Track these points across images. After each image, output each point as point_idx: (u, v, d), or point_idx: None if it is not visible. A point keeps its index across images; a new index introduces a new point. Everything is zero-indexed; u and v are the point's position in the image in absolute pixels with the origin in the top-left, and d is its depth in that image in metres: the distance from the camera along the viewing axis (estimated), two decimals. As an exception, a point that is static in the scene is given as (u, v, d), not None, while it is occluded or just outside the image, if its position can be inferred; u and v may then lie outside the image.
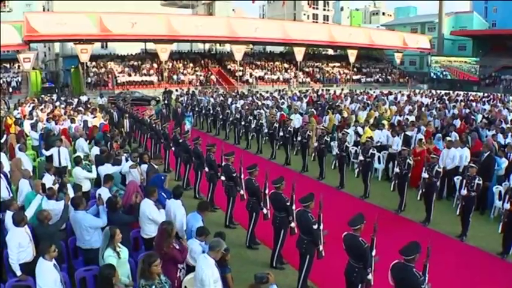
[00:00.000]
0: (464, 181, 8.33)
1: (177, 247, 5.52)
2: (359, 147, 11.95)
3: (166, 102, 28.26)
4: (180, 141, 11.62)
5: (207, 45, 53.40)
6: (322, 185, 12.16)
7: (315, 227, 5.88)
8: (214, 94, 28.22)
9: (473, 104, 22.50)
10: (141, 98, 32.46)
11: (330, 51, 57.93)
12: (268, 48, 54.66)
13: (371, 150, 10.55)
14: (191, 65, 45.06)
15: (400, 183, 9.78)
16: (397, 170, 9.71)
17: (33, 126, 14.14)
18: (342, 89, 36.49)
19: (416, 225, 9.27)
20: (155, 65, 41.67)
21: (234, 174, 8.48)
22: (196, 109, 22.30)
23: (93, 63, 39.39)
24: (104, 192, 7.22)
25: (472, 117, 17.02)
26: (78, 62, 35.99)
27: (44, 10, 46.39)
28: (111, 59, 42.13)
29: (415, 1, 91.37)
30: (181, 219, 6.46)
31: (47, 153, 11.48)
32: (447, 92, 31.68)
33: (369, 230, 5.44)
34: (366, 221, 5.36)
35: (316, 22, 58.85)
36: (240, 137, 17.58)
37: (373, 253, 5.30)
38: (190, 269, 5.59)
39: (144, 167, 8.85)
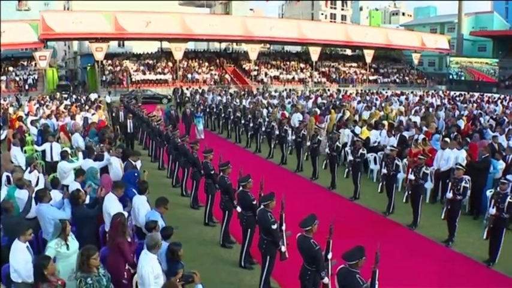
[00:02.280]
0: (450, 184, 7.92)
1: (130, 240, 5.48)
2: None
3: (178, 101, 28.41)
4: (179, 145, 10.86)
5: (224, 45, 53.55)
6: (314, 185, 11.92)
7: (274, 227, 5.67)
8: (221, 93, 28.10)
9: (486, 105, 21.73)
10: (152, 96, 32.76)
11: (348, 52, 57.21)
12: (286, 48, 54.31)
13: (361, 151, 10.22)
14: (206, 64, 45.19)
15: (388, 185, 9.43)
16: (384, 171, 9.37)
17: (33, 122, 14.34)
18: (356, 90, 35.91)
19: (403, 229, 8.92)
20: (170, 64, 41.95)
21: (212, 172, 8.34)
22: (208, 110, 21.28)
23: (109, 61, 39.97)
24: (75, 186, 7.22)
25: (481, 118, 16.41)
26: (95, 60, 36.60)
27: (64, 9, 47.30)
28: (126, 58, 42.63)
29: (435, 1, 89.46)
30: (144, 215, 6.36)
31: (40, 148, 11.63)
32: (461, 93, 30.75)
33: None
34: (318, 221, 5.05)
35: (334, 22, 58.16)
36: (241, 136, 17.44)
37: (330, 256, 5.05)
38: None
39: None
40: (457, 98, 25.36)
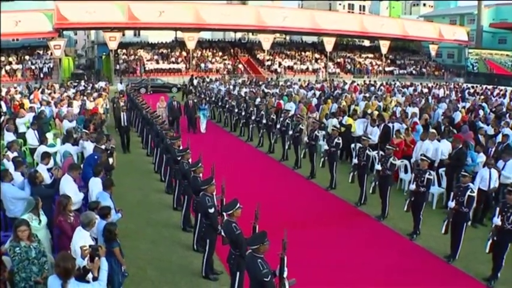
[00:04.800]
0: (413, 175, 7.82)
1: (71, 220, 5.70)
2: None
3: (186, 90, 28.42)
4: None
5: (240, 35, 53.47)
6: (295, 174, 11.96)
7: (211, 210, 5.77)
8: (228, 82, 28.17)
9: (494, 98, 21.14)
10: (162, 85, 33.15)
11: (366, 43, 56.24)
12: (301, 38, 53.81)
13: (336, 140, 10.16)
14: (220, 53, 45.31)
15: (360, 175, 9.37)
16: (355, 160, 9.31)
17: (31, 108, 14.80)
18: (364, 81, 35.35)
19: (371, 220, 8.87)
20: (184, 53, 42.25)
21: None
22: (213, 100, 20.77)
23: (124, 50, 40.57)
24: (41, 169, 7.51)
25: (481, 110, 16.01)
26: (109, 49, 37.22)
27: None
28: (141, 47, 43.19)
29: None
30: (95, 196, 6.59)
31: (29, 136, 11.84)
32: (473, 85, 29.90)
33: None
34: (241, 206, 5.09)
35: (352, 12, 57.14)
36: (235, 125, 17.54)
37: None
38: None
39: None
40: (467, 91, 24.69)
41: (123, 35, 38.70)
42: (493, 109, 16.12)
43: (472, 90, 24.99)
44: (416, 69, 48.88)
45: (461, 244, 7.20)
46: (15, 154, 8.83)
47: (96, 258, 4.34)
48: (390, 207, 8.86)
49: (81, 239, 4.98)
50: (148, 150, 13.66)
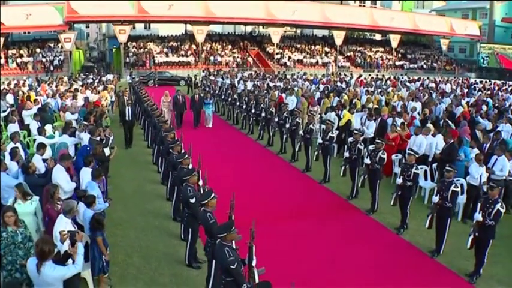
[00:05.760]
0: (400, 169, 7.86)
1: (58, 208, 5.92)
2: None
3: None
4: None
5: (250, 28, 53.37)
6: (291, 167, 12.07)
7: (192, 200, 5.93)
8: (232, 76, 28.22)
9: (500, 93, 20.88)
10: (170, 78, 33.37)
11: (378, 36, 55.67)
12: (312, 32, 53.47)
13: (330, 134, 10.23)
14: (230, 46, 45.36)
15: (351, 169, 9.45)
16: (346, 154, 9.37)
17: (35, 101, 15.14)
18: (377, 75, 35.10)
19: (360, 214, 8.95)
20: (194, 46, 42.38)
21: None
22: (217, 92, 20.77)
23: (134, 43, 40.89)
24: (36, 159, 7.78)
25: (483, 106, 15.89)
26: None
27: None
28: (151, 40, 43.45)
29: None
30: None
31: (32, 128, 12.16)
32: (481, 80, 29.49)
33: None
34: (216, 195, 5.26)
35: (363, 6, 56.51)
36: (238, 118, 17.69)
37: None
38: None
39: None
40: (475, 86, 24.40)
41: (134, 28, 38.98)
42: (496, 104, 15.95)
43: (480, 86, 24.64)
44: (427, 63, 48.25)
45: (445, 239, 7.24)
46: (18, 145, 9.13)
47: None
48: (381, 201, 8.92)
49: (62, 225, 5.19)
50: (148, 142, 13.90)
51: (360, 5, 55.34)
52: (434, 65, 47.89)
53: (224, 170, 11.27)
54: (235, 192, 5.46)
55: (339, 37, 43.94)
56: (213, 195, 5.22)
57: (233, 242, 4.55)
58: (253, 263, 4.46)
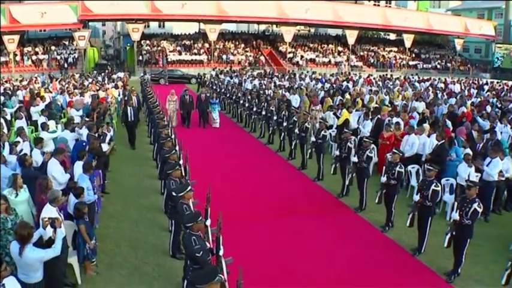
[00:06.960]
0: (384, 168, 7.99)
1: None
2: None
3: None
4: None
5: (264, 27, 53.55)
6: (288, 165, 12.25)
7: (174, 194, 6.19)
8: (242, 75, 28.45)
9: (509, 94, 20.67)
10: (181, 76, 33.80)
11: (391, 36, 55.24)
12: (325, 31, 53.37)
13: (323, 132, 10.40)
14: (242, 45, 45.64)
15: (342, 167, 9.60)
16: (337, 152, 9.53)
17: (42, 98, 15.65)
18: (386, 75, 34.93)
19: (348, 211, 9.07)
20: (207, 45, 42.80)
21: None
22: (223, 90, 20.88)
23: (147, 41, 41.52)
24: (35, 153, 8.19)
25: (488, 106, 15.81)
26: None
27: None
28: (164, 38, 44.04)
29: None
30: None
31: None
32: (492, 80, 29.10)
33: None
34: (193, 189, 5.52)
35: (378, 5, 56.10)
36: (242, 116, 17.95)
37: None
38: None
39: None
40: (484, 87, 24.16)
41: (148, 26, 39.56)
42: (500, 105, 15.85)
43: (489, 86, 24.39)
44: (441, 63, 47.72)
45: (426, 238, 7.30)
46: (25, 140, 9.54)
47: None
48: (369, 200, 9.04)
49: (48, 213, 5.52)
50: (151, 138, 14.24)
51: (374, 4, 54.88)
52: (448, 65, 47.32)
53: (223, 168, 11.62)
54: (210, 185, 5.68)
55: (351, 36, 43.86)
56: (189, 188, 5.49)
57: (203, 232, 4.80)
58: (221, 252, 4.68)
